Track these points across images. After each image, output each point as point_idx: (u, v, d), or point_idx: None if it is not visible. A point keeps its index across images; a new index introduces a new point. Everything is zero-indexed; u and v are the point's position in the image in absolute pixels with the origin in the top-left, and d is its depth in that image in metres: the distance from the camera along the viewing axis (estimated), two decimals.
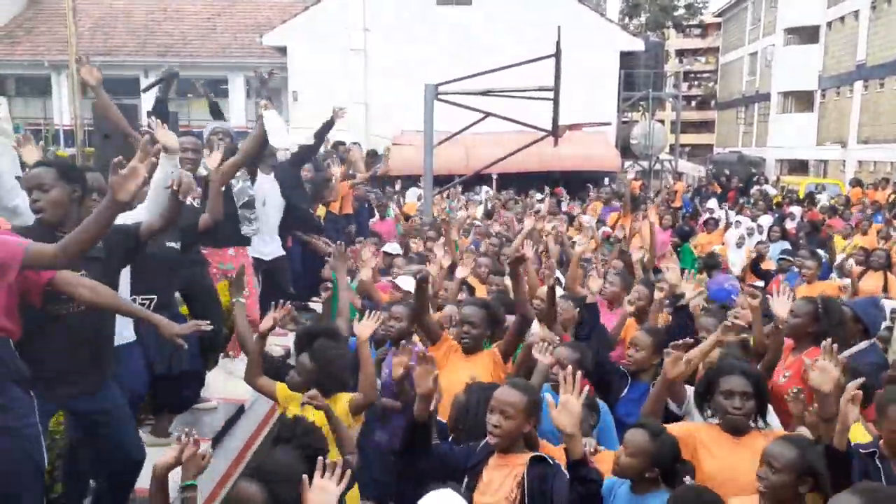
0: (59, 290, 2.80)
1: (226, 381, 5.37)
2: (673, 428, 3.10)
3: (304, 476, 2.18)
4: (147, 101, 22.36)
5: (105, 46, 23.53)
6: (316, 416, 3.18)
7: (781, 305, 3.76)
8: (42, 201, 2.94)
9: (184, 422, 4.61)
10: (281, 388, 3.56)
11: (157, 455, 4.09)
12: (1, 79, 23.87)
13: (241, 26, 24.59)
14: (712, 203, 14.76)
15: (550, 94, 9.95)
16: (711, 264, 8.22)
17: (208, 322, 3.28)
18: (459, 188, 14.45)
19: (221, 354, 5.44)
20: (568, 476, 2.65)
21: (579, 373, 2.70)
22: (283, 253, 6.04)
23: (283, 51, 20.33)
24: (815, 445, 2.69)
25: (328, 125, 6.75)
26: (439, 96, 9.75)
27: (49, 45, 22.82)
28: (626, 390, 3.92)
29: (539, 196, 14.50)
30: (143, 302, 3.90)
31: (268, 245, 5.84)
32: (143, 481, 3.73)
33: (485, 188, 15.26)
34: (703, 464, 2.92)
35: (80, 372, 3.04)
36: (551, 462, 2.71)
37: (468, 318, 3.93)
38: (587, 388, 2.71)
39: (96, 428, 3.14)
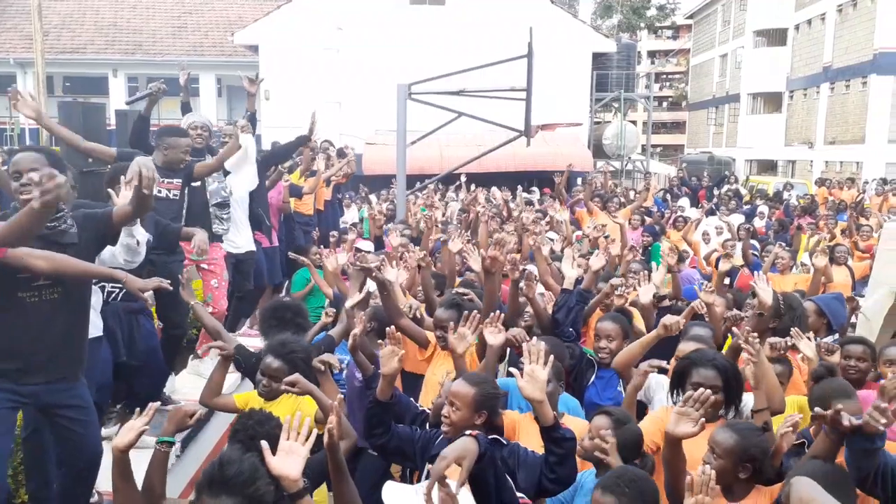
0: (15, 267, 2.75)
1: (195, 383, 5.32)
2: (642, 422, 3.17)
3: (264, 443, 2.17)
4: (115, 101, 22.11)
5: (72, 44, 23.17)
6: (280, 411, 3.18)
7: (766, 293, 3.83)
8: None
9: (152, 423, 4.56)
10: (238, 397, 3.54)
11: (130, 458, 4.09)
12: None
13: (212, 24, 24.35)
14: (683, 202, 14.94)
15: (523, 95, 9.99)
16: (678, 259, 8.33)
17: (169, 282, 3.27)
18: (432, 187, 14.46)
19: (191, 357, 5.39)
20: (525, 451, 2.68)
21: (543, 344, 2.70)
22: (254, 248, 5.98)
23: (254, 49, 20.16)
24: (757, 432, 2.73)
25: (303, 139, 6.68)
26: (412, 96, 9.74)
27: (15, 42, 22.41)
28: (592, 377, 3.98)
29: (526, 195, 14.58)
30: (113, 290, 3.87)
31: (239, 237, 5.79)
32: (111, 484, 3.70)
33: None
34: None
35: (52, 360, 3.01)
36: (505, 442, 2.75)
37: (440, 321, 3.94)
38: (552, 357, 2.70)
39: (63, 423, 3.10)
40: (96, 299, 3.69)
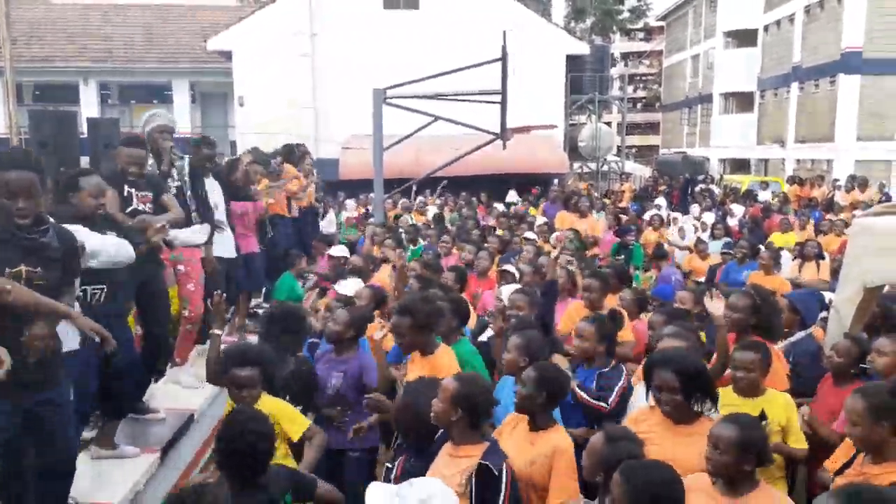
0: None
1: (174, 391, 5.28)
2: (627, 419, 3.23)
3: None
4: (87, 108, 21.83)
5: (42, 53, 22.84)
6: (266, 407, 3.20)
7: (716, 307, 3.92)
8: (28, 208, 2.95)
9: (131, 433, 4.52)
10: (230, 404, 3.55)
11: (107, 467, 4.06)
12: None
13: (184, 31, 24.13)
14: (660, 201, 15.10)
15: (498, 98, 10.06)
16: (660, 255, 8.48)
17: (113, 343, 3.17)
18: (414, 189, 14.51)
19: (169, 364, 5.34)
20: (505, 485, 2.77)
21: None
22: (235, 255, 5.94)
23: (227, 55, 20.03)
24: (756, 421, 2.78)
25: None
26: (387, 100, 9.77)
27: None
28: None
29: (513, 197, 14.70)
30: (94, 292, 3.84)
31: (222, 244, 5.75)
32: (92, 494, 3.67)
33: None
34: (647, 450, 2.97)
35: (28, 370, 2.97)
36: (496, 473, 2.80)
37: (396, 328, 3.99)
38: None
39: (39, 423, 3.06)
40: (76, 309, 3.65)
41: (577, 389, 3.68)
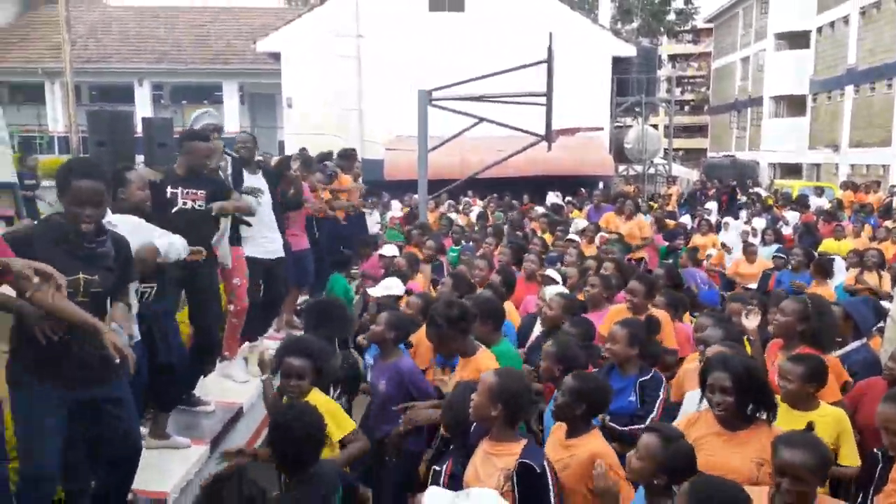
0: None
1: (223, 385, 5.40)
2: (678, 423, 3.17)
3: None
4: (141, 108, 22.43)
5: (99, 54, 23.55)
6: (317, 401, 3.24)
7: (751, 322, 3.93)
8: (94, 216, 3.02)
9: (182, 424, 4.63)
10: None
11: (158, 457, 4.17)
12: None
13: (234, 32, 24.63)
14: (710, 205, 14.82)
15: (543, 100, 10.02)
16: (693, 260, 8.33)
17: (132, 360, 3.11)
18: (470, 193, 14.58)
19: (218, 358, 5.46)
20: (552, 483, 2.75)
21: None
22: (283, 255, 6.02)
23: (276, 57, 20.36)
24: (821, 445, 2.58)
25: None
26: (432, 102, 9.81)
27: (43, 52, 22.82)
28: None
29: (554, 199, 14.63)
30: (145, 290, 3.94)
31: (271, 244, 5.81)
32: (145, 483, 3.77)
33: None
34: (697, 457, 2.91)
35: (89, 360, 3.04)
36: (538, 471, 2.77)
37: (428, 336, 4.00)
38: None
39: (102, 417, 3.13)
40: (133, 305, 3.76)
41: (610, 424, 3.56)
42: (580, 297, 5.55)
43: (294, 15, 21.70)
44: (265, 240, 5.70)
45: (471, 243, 8.72)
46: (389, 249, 7.02)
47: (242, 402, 5.19)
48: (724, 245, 10.16)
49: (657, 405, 3.70)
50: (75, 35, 21.43)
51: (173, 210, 4.54)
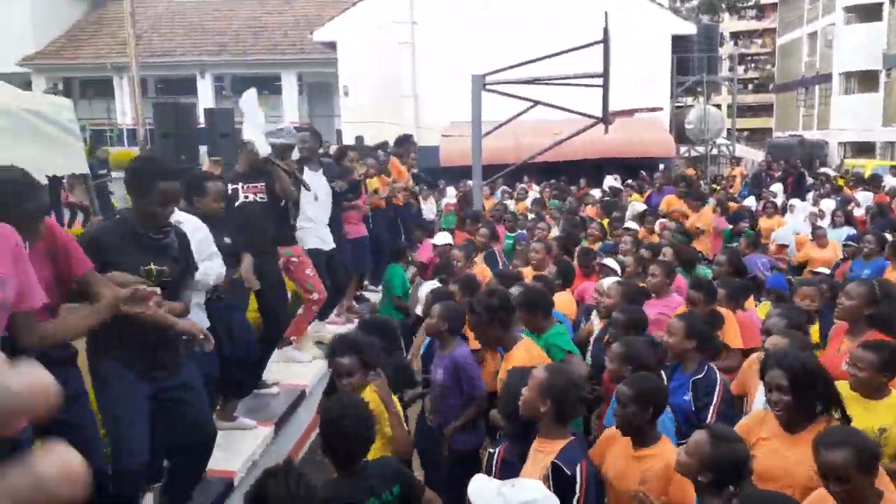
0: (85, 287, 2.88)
1: (287, 368, 5.55)
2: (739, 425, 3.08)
3: None
4: (203, 100, 23.00)
5: (162, 47, 24.22)
6: (369, 398, 3.29)
7: (775, 342, 3.70)
8: (169, 214, 3.19)
9: (248, 406, 4.79)
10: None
11: (226, 438, 4.33)
12: (67, 82, 24.82)
13: (292, 23, 24.95)
14: (776, 187, 14.35)
15: (600, 81, 9.85)
16: (755, 244, 8.07)
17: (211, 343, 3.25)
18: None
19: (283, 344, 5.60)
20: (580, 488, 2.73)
21: None
22: (334, 245, 6.15)
23: (332, 46, 20.57)
24: (867, 441, 2.50)
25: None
26: (487, 86, 9.76)
27: (111, 47, 23.60)
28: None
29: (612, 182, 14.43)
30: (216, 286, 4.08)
31: (328, 235, 6.01)
32: (214, 462, 3.92)
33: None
34: (756, 459, 2.82)
35: (163, 351, 3.17)
36: (568, 474, 2.73)
37: (470, 327, 4.03)
38: None
39: (175, 405, 3.24)
40: (199, 297, 3.90)
41: None
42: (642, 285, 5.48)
43: (349, 3, 21.86)
44: (324, 232, 5.91)
45: (525, 231, 8.68)
46: (442, 238, 7.05)
47: (306, 385, 5.33)
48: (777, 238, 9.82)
49: (711, 411, 3.54)
50: (140, 30, 22.06)
51: (236, 204, 4.72)
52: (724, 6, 36.42)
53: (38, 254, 2.68)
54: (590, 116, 10.56)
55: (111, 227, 3.26)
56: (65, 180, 9.58)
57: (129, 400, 3.07)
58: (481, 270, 6.35)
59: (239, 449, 4.26)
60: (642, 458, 2.93)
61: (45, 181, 6.26)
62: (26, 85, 20.22)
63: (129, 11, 13.88)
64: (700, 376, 3.71)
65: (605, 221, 9.30)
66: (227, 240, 4.21)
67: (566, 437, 2.88)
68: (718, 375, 3.76)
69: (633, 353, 3.50)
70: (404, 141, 9.29)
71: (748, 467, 2.58)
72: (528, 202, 12.28)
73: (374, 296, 7.83)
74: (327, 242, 5.95)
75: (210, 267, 3.86)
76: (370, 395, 3.31)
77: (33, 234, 2.57)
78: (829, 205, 10.96)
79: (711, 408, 3.55)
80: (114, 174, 14.32)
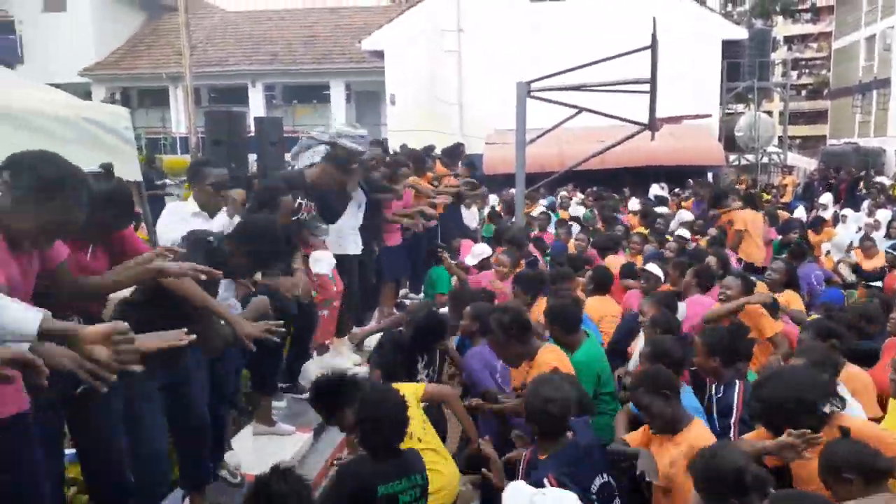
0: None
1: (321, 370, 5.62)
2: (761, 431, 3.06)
3: None
4: (254, 109, 23.51)
5: (216, 57, 24.85)
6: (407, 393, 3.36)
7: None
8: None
9: (287, 412, 4.89)
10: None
11: (266, 443, 4.42)
12: (125, 92, 25.67)
13: (341, 32, 25.34)
14: (825, 198, 13.97)
15: (647, 87, 9.75)
16: (800, 254, 7.69)
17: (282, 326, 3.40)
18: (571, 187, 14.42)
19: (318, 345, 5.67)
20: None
21: None
22: (358, 252, 6.18)
23: (380, 55, 20.81)
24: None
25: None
26: (531, 93, 9.75)
27: (166, 58, 24.32)
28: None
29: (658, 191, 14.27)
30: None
31: (359, 238, 6.02)
32: (252, 467, 4.02)
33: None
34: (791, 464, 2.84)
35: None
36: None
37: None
38: None
39: (175, 398, 3.31)
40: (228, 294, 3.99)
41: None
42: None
43: (397, 12, 22.09)
44: (355, 236, 5.93)
45: (561, 242, 8.64)
46: (480, 249, 7.05)
47: None
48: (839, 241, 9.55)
49: (732, 430, 3.49)
50: (195, 40, 22.69)
51: (293, 218, 4.84)
52: (777, 10, 35.62)
53: (97, 248, 2.88)
54: (636, 123, 10.44)
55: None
56: None
57: (149, 392, 3.14)
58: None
59: (277, 454, 4.33)
60: (679, 443, 3.04)
61: None
62: (86, 94, 20.96)
63: (184, 23, 14.32)
64: (719, 395, 3.67)
65: (647, 231, 9.21)
66: None
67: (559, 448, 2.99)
68: (737, 392, 3.64)
69: (661, 351, 3.54)
70: (454, 151, 9.34)
71: (751, 477, 2.50)
72: (571, 210, 12.23)
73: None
74: (359, 246, 5.99)
75: None
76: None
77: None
78: (885, 215, 10.62)
79: (732, 426, 3.52)
80: (167, 181, 14.71)
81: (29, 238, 2.27)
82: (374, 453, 2.94)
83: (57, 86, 4.62)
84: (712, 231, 8.91)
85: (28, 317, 1.87)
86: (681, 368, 3.66)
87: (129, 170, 4.53)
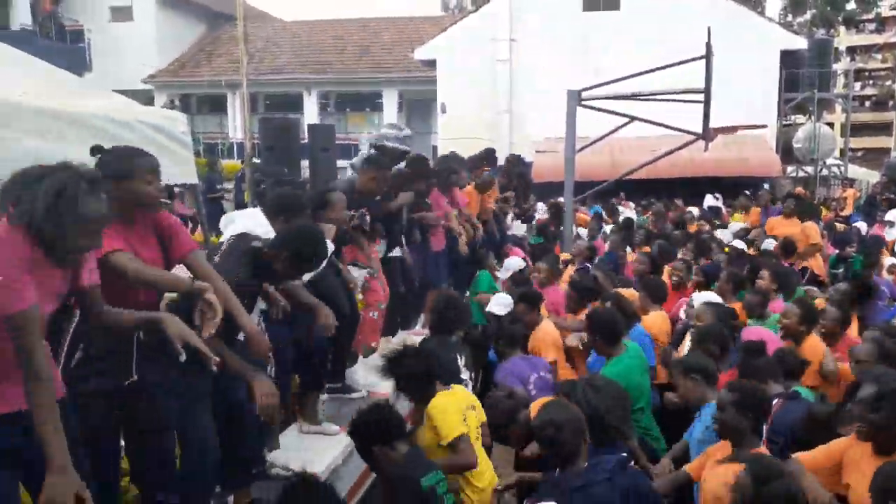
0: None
1: (369, 375, 5.69)
2: (818, 450, 3.00)
3: None
4: (308, 116, 23.96)
5: (273, 66, 25.45)
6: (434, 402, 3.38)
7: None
8: None
9: (333, 412, 4.95)
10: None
11: (312, 441, 4.49)
12: (185, 98, 26.49)
13: (394, 42, 25.67)
14: (892, 215, 13.44)
15: (701, 97, 9.63)
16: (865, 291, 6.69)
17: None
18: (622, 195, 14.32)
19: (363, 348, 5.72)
20: None
21: None
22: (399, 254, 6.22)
23: (432, 64, 20.99)
24: None
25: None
26: (582, 102, 9.72)
27: (225, 66, 25.02)
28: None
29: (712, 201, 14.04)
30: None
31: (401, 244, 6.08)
32: (298, 464, 4.08)
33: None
34: (853, 484, 2.77)
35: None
36: None
37: None
38: None
39: (222, 396, 3.33)
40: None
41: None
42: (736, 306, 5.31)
43: (450, 22, 22.26)
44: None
45: (614, 252, 8.53)
46: (513, 263, 7.03)
47: (387, 394, 5.44)
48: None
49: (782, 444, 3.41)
50: (253, 49, 23.31)
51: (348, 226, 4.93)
52: (840, 19, 34.65)
53: (148, 238, 2.90)
54: (689, 133, 10.32)
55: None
56: (176, 190, 10.22)
57: (207, 408, 3.18)
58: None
59: (322, 453, 4.39)
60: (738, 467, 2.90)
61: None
62: (149, 101, 21.69)
63: (242, 33, 14.70)
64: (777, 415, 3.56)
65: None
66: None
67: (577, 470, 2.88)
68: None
69: (710, 332, 3.61)
70: (512, 164, 9.34)
71: (797, 500, 2.50)
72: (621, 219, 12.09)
73: None
74: (402, 249, 6.02)
75: None
76: (436, 401, 3.41)
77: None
78: None
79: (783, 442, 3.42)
80: (226, 185, 15.08)
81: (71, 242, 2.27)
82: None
83: (122, 92, 4.78)
84: (770, 242, 8.68)
85: None
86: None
87: (185, 172, 4.66)
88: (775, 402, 3.57)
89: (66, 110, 3.31)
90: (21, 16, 21.53)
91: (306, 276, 3.97)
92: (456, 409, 3.47)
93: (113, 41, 24.59)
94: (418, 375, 3.50)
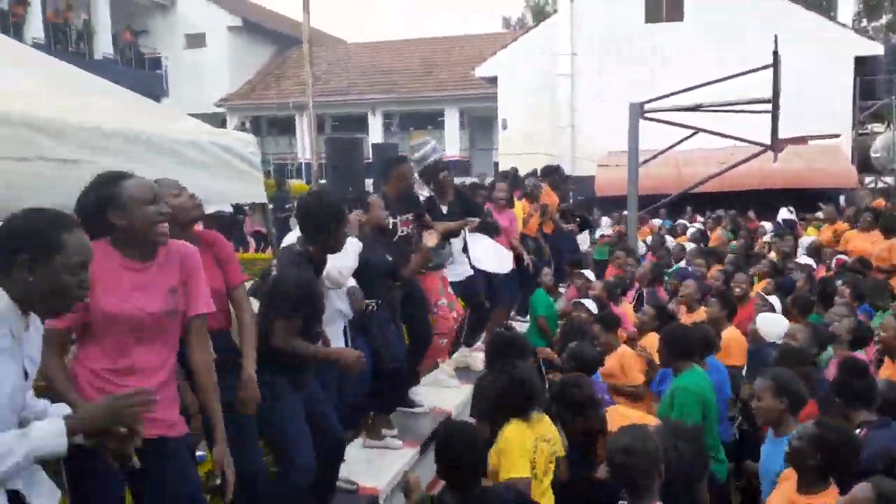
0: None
1: (436, 391, 5.73)
2: None
3: None
4: (373, 136, 24.38)
5: (338, 87, 26.06)
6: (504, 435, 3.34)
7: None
8: None
9: (396, 426, 5.01)
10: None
11: (375, 455, 4.55)
12: (255, 120, 27.38)
13: (456, 61, 25.93)
14: None
15: (769, 107, 9.39)
16: None
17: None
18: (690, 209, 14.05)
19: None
20: None
21: None
22: (472, 272, 6.17)
23: (493, 81, 21.10)
24: None
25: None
26: (645, 115, 9.61)
27: (293, 88, 25.76)
28: None
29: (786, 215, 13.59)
30: (369, 303, 4.36)
31: (458, 267, 6.04)
32: (370, 480, 4.15)
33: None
34: None
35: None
36: None
37: None
38: None
39: (313, 415, 3.41)
40: (343, 303, 4.15)
41: None
42: None
43: (511, 38, 22.35)
44: (462, 258, 5.98)
45: (688, 266, 8.34)
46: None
47: (451, 410, 5.47)
48: None
49: None
50: (319, 71, 23.94)
51: (394, 238, 4.99)
52: None
53: (210, 263, 2.99)
54: (757, 144, 10.06)
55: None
56: (247, 208, 10.58)
57: (301, 417, 3.27)
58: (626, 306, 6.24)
59: (385, 467, 4.44)
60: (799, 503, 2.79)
61: (229, 209, 6.95)
62: (221, 123, 22.53)
63: (308, 55, 15.15)
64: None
65: (775, 256, 8.78)
66: (389, 257, 4.52)
67: None
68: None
69: (785, 385, 3.29)
70: (553, 173, 9.28)
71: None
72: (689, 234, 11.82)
73: (522, 326, 7.87)
74: (457, 274, 5.94)
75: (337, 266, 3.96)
76: (506, 434, 3.32)
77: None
78: None
79: None
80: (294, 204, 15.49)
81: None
82: (452, 486, 2.93)
83: (197, 116, 5.01)
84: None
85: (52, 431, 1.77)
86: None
87: (254, 192, 4.83)
88: (860, 431, 3.27)
89: (144, 131, 3.47)
90: (103, 45, 22.75)
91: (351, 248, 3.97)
92: (520, 448, 3.26)
93: (188, 67, 25.72)
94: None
